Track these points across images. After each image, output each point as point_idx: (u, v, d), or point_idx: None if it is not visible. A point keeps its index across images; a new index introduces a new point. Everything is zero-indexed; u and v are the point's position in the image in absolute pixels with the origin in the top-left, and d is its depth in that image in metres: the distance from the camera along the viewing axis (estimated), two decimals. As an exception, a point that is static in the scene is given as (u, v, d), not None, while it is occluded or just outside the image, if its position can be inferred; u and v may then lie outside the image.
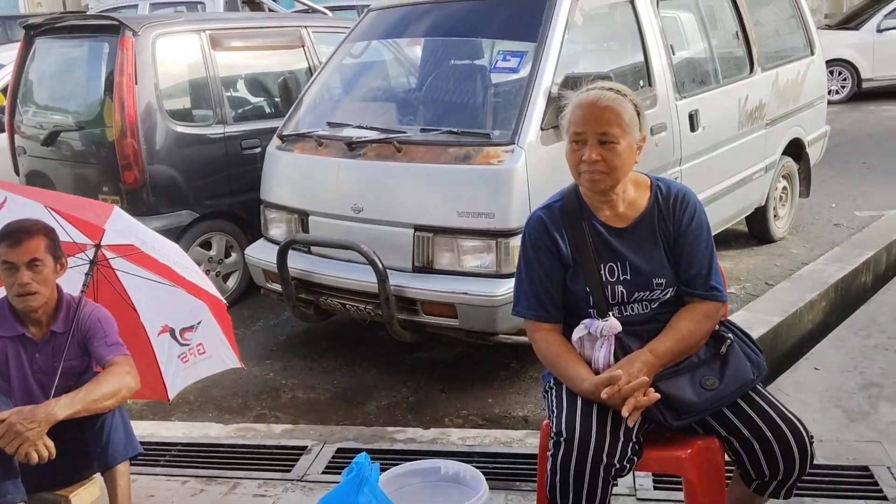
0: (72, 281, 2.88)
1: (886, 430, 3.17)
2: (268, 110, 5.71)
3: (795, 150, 6.01)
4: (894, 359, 3.78)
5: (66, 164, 5.39)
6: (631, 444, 2.08)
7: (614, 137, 2.16)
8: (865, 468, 2.91)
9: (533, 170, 3.74)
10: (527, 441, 3.29)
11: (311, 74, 5.38)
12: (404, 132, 4.17)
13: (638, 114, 2.22)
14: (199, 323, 3.22)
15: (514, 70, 4.18)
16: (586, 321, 2.25)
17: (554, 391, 2.27)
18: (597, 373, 2.18)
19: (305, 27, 6.00)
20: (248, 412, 4.07)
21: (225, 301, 3.33)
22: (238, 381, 4.30)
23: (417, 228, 3.87)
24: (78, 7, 19.61)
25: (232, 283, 5.41)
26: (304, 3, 11.83)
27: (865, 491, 2.81)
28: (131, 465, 2.73)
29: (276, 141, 4.60)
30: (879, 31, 11.84)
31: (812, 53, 6.13)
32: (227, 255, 5.37)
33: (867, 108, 11.48)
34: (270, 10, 10.55)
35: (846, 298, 4.95)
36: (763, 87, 5.45)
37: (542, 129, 3.81)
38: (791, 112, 5.83)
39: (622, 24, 4.64)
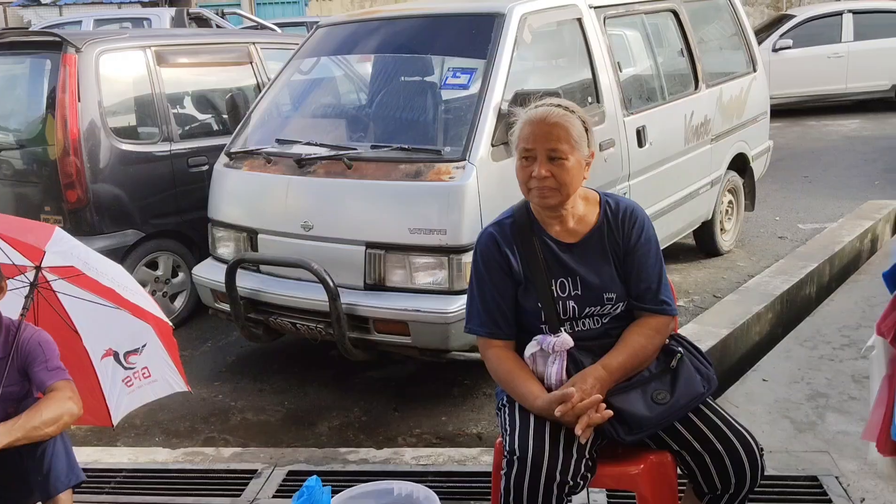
0: (11, 304, 2.78)
1: (834, 440, 3.22)
2: (215, 127, 5.63)
3: (740, 164, 6.14)
4: (839, 369, 3.86)
5: (7, 183, 5.24)
6: (584, 461, 2.07)
7: (563, 153, 2.17)
8: (814, 478, 2.95)
9: (484, 186, 3.74)
10: (481, 459, 3.27)
11: (260, 91, 5.33)
12: (355, 149, 4.14)
13: (586, 130, 2.24)
14: (143, 346, 3.13)
15: (465, 86, 4.19)
16: (538, 337, 2.25)
17: (507, 409, 2.26)
18: (549, 389, 2.18)
19: (254, 43, 5.95)
20: (196, 436, 3.98)
21: (171, 323, 3.25)
22: (186, 404, 4.21)
23: (369, 246, 3.84)
24: (20, 23, 19.19)
25: (179, 303, 5.30)
26: (252, 20, 11.75)
27: (814, 501, 2.84)
28: (74, 493, 2.64)
29: (223, 158, 4.53)
30: (775, 50, 12.11)
31: (755, 70, 6.27)
32: (174, 274, 5.27)
33: (808, 122, 11.79)
34: (218, 27, 10.44)
35: (792, 310, 5.04)
36: (708, 103, 5.55)
37: (492, 145, 3.82)
38: (735, 127, 5.94)
39: (570, 41, 4.69)
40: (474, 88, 4.08)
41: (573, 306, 2.24)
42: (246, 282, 4.13)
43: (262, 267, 4.21)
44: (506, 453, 2.10)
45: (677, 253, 6.06)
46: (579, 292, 2.24)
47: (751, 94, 6.15)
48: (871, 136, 10.56)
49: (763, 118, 6.43)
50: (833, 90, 12.18)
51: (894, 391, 1.56)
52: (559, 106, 2.24)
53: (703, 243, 6.12)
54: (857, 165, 8.96)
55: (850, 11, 12.32)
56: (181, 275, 5.27)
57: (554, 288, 2.24)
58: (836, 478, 2.94)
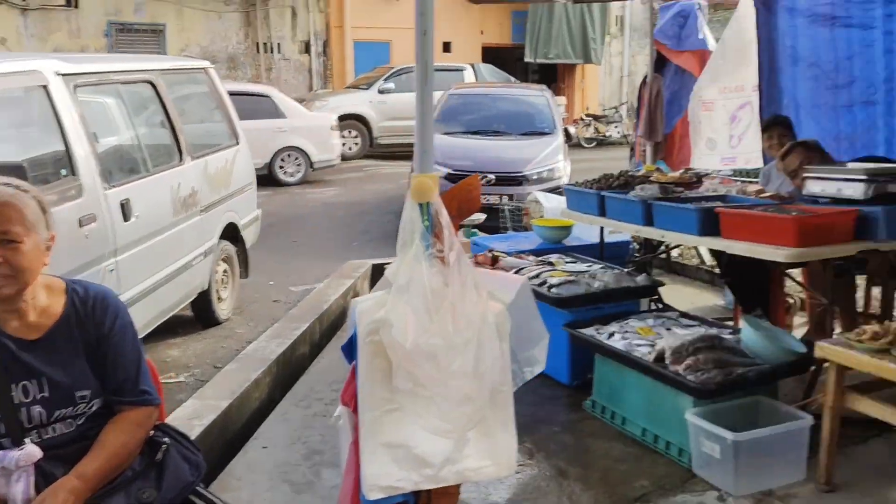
0: None
1: (329, 496, 3.39)
2: None
3: (232, 233, 6.28)
4: (331, 424, 4.10)
5: None
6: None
7: (17, 236, 1.96)
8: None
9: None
10: None
11: None
12: None
13: (43, 211, 2.05)
14: None
15: None
16: (-2, 454, 1.96)
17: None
18: (17, 511, 1.91)
19: None
20: None
21: None
22: None
23: None
24: None
25: None
26: None
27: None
28: None
29: None
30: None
31: (238, 142, 6.50)
32: None
33: (293, 191, 12.64)
34: None
35: (288, 371, 5.25)
36: (193, 174, 5.58)
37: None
38: (224, 198, 6.07)
39: (38, 110, 4.32)
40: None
41: (40, 411, 2.00)
42: None
43: None
44: None
45: (175, 326, 5.92)
46: (46, 395, 2.01)
47: (236, 165, 6.35)
48: (346, 202, 11.73)
49: (250, 188, 6.69)
50: None
51: (359, 455, 1.68)
52: (8, 184, 2.02)
53: (201, 314, 6.09)
54: (337, 228, 9.86)
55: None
56: None
57: (15, 394, 1.98)
58: (333, 532, 3.09)
